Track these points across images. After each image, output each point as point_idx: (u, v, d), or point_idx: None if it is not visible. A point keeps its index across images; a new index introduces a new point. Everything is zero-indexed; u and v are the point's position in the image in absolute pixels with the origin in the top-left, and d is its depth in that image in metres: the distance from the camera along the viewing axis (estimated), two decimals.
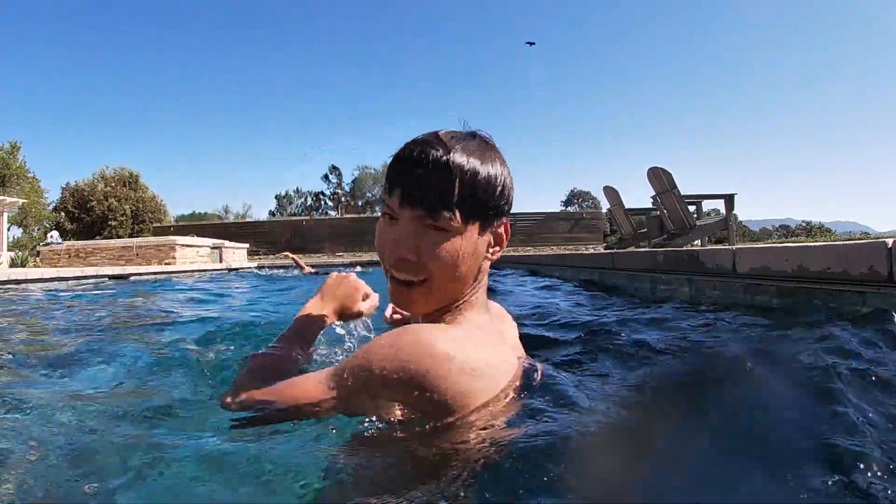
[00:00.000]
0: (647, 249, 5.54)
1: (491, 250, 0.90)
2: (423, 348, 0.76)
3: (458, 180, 0.80)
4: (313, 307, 1.10)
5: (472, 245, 0.85)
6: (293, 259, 11.04)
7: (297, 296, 4.57)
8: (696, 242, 7.46)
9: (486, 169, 0.84)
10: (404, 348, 0.76)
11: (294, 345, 1.01)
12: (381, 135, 66.45)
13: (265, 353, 1.00)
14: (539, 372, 0.94)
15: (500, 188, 0.86)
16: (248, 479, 0.68)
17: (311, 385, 0.81)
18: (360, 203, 40.17)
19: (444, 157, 0.81)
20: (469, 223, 0.84)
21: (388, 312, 1.26)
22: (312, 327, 1.07)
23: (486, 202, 0.84)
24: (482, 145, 0.87)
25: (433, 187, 0.80)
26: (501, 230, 0.90)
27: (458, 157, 0.81)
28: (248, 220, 35.08)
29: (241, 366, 1.01)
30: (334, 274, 1.17)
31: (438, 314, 0.90)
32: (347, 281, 1.15)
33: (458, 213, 0.81)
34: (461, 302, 0.90)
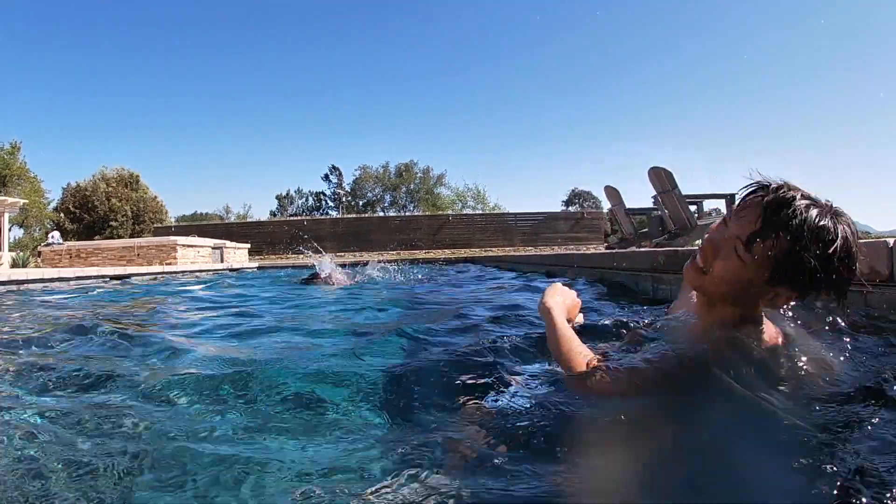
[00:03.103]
0: (648, 249, 5.53)
1: None
2: None
3: None
4: (561, 322, 1.13)
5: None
6: None
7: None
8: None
9: None
10: None
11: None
12: (383, 136, 66.47)
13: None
14: None
15: None
16: None
17: None
18: (360, 203, 40.13)
19: None
20: None
21: None
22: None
23: None
24: None
25: None
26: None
27: None
28: (248, 220, 35.10)
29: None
30: (559, 286, 1.24)
31: None
32: (573, 297, 1.24)
33: None
34: None
